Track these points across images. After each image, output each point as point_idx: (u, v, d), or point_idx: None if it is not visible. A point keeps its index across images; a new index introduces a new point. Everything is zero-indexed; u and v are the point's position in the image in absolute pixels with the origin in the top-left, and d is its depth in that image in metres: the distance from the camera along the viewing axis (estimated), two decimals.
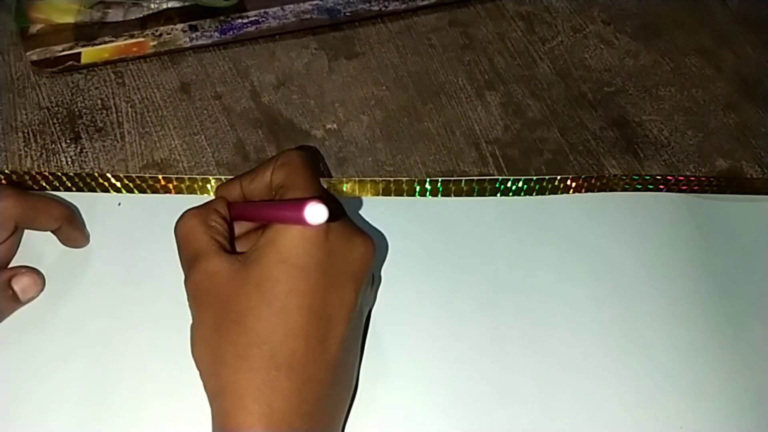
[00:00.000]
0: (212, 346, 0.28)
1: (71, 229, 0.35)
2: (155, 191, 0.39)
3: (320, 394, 0.28)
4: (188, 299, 0.30)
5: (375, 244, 0.30)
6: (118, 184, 0.39)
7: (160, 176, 0.40)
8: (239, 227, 0.33)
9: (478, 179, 0.41)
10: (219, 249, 0.29)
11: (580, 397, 0.34)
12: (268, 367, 0.27)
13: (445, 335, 0.35)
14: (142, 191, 0.39)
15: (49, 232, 0.36)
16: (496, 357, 0.35)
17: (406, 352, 0.35)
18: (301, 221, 0.24)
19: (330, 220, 0.25)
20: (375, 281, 0.36)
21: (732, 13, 0.53)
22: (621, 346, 0.36)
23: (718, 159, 0.45)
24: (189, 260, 0.30)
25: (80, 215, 0.37)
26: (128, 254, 0.37)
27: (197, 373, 0.32)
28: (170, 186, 0.40)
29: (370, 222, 0.39)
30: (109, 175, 0.39)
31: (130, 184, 0.39)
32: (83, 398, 0.32)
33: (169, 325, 0.34)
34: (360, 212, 0.39)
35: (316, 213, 0.24)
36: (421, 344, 0.35)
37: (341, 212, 0.31)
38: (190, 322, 0.33)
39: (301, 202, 0.25)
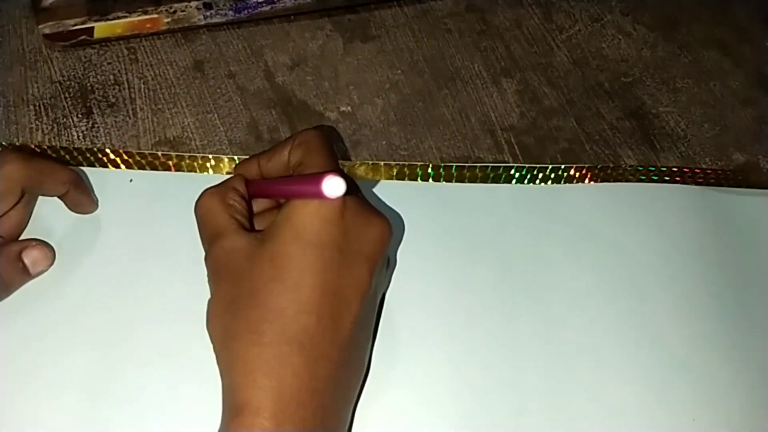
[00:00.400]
0: (225, 320, 0.28)
1: (78, 194, 0.35)
2: (167, 169, 0.39)
3: (330, 372, 0.27)
4: (207, 275, 0.30)
5: (391, 226, 0.30)
6: (130, 161, 0.39)
7: (172, 154, 0.39)
8: (257, 205, 0.33)
9: (492, 166, 0.41)
10: (238, 227, 0.29)
11: (591, 387, 0.34)
12: (278, 342, 0.26)
13: (456, 321, 0.35)
14: (154, 168, 0.39)
15: (59, 206, 0.35)
16: (506, 344, 0.35)
17: (418, 335, 0.34)
18: (319, 194, 0.24)
19: (346, 195, 0.25)
20: (391, 264, 0.35)
21: (751, 8, 0.52)
22: (633, 336, 0.35)
23: (734, 153, 0.44)
24: (209, 238, 0.30)
25: (90, 185, 0.37)
26: (139, 230, 0.36)
27: (205, 345, 0.32)
28: (182, 164, 0.39)
29: (385, 204, 0.38)
30: (121, 150, 0.39)
31: (142, 161, 0.39)
32: (91, 371, 0.32)
33: (177, 299, 0.34)
34: (373, 195, 0.39)
35: (333, 185, 0.24)
36: (433, 328, 0.35)
37: (358, 192, 0.31)
38: (199, 296, 0.33)
39: (319, 175, 0.24)
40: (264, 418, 0.25)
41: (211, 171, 0.39)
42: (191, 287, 0.34)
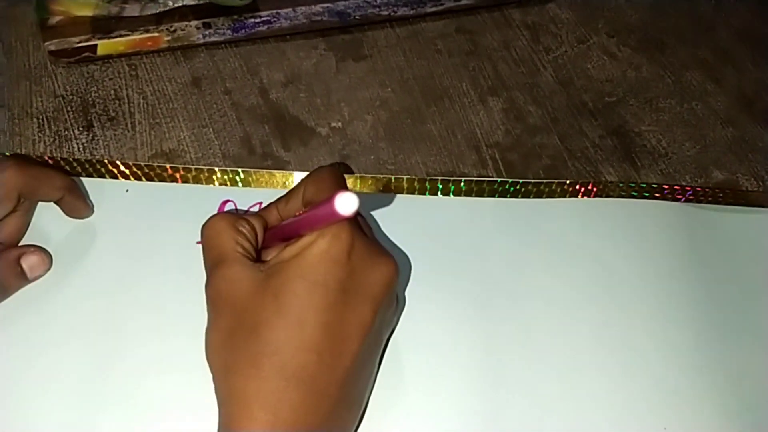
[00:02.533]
0: (225, 352, 0.28)
1: (74, 199, 0.36)
2: (162, 180, 0.40)
3: (328, 409, 0.28)
4: (207, 302, 0.30)
5: (398, 267, 0.30)
6: (127, 172, 0.40)
7: (167, 165, 0.41)
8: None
9: (477, 180, 0.42)
10: (242, 256, 0.29)
11: (569, 396, 0.35)
12: (277, 377, 0.27)
13: (435, 337, 0.36)
14: (149, 179, 0.40)
15: (56, 214, 0.37)
16: (489, 351, 0.36)
17: (403, 365, 0.35)
18: (333, 214, 0.24)
19: (354, 236, 0.25)
20: (399, 303, 0.35)
21: (733, 30, 0.54)
22: (610, 347, 0.36)
23: (714, 171, 0.45)
24: (212, 263, 0.30)
25: (87, 194, 0.38)
26: (134, 239, 0.38)
27: (194, 356, 0.33)
28: (177, 175, 0.41)
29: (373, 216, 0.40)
30: (118, 162, 0.41)
31: (139, 172, 0.41)
32: (83, 376, 0.33)
33: (170, 308, 0.36)
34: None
35: (346, 202, 0.24)
36: (413, 354, 0.35)
37: (368, 231, 0.32)
38: (190, 303, 0.34)
39: (330, 196, 0.24)
40: None
41: (204, 182, 0.41)
42: (183, 293, 0.36)
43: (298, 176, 0.41)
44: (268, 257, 0.32)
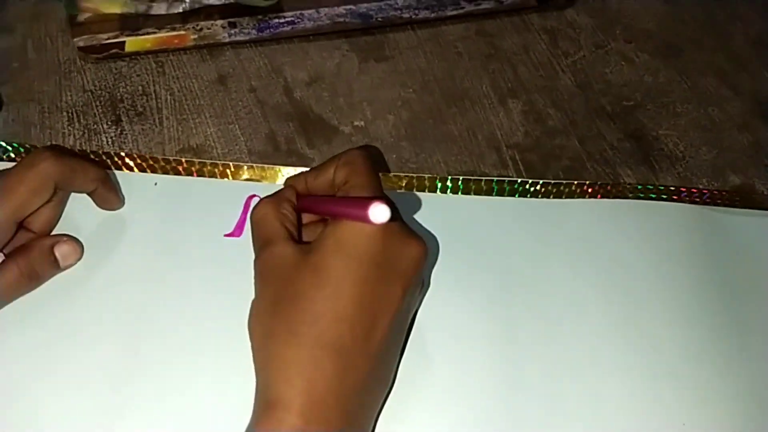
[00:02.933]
0: (267, 320, 0.30)
1: (106, 191, 0.37)
2: (189, 174, 0.41)
3: (358, 380, 0.29)
4: (255, 276, 0.32)
5: (427, 248, 0.32)
6: (156, 165, 0.41)
7: (195, 160, 0.42)
8: (304, 218, 0.35)
9: (497, 179, 0.43)
10: (287, 236, 0.32)
11: (587, 392, 0.35)
12: (314, 345, 0.28)
13: (456, 327, 0.37)
14: (177, 173, 0.41)
15: (88, 205, 0.38)
16: (506, 348, 0.36)
17: (426, 349, 0.36)
18: (365, 219, 0.26)
19: (389, 219, 0.27)
20: (424, 285, 0.37)
21: (750, 37, 0.55)
22: (628, 345, 0.37)
23: (731, 175, 0.46)
24: (261, 242, 0.32)
25: (117, 186, 0.39)
26: (162, 230, 0.39)
27: (223, 341, 0.34)
28: (204, 170, 0.42)
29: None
30: (147, 156, 0.42)
31: (167, 166, 0.41)
32: (112, 361, 0.34)
33: (196, 297, 0.36)
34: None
35: (379, 213, 0.26)
36: (436, 341, 0.36)
37: (398, 214, 0.33)
38: (215, 295, 0.36)
39: (366, 201, 0.26)
40: (293, 414, 0.27)
41: (230, 177, 0.42)
42: (209, 283, 0.37)
43: None
44: (306, 237, 0.34)
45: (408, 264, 0.31)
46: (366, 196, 0.31)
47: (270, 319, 0.30)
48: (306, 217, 0.36)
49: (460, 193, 0.42)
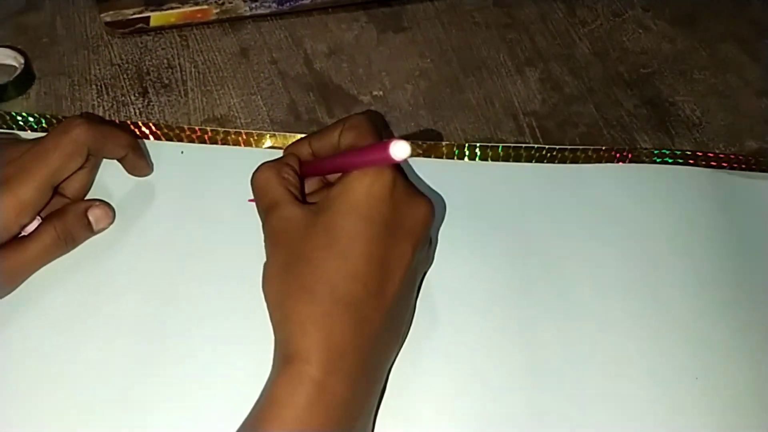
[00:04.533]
0: (281, 280, 0.31)
1: (136, 158, 0.39)
2: (214, 142, 0.43)
3: (372, 333, 0.30)
4: (264, 241, 0.32)
5: (434, 207, 0.32)
6: (182, 135, 0.43)
7: (219, 129, 0.43)
8: (307, 186, 0.36)
9: (514, 146, 0.44)
10: (292, 199, 0.32)
11: (600, 349, 0.36)
12: (328, 301, 0.29)
13: (472, 288, 0.38)
14: (202, 142, 0.43)
15: (118, 172, 0.39)
16: (519, 311, 0.37)
17: (450, 311, 0.37)
18: (386, 159, 0.27)
19: (396, 176, 0.28)
20: (432, 243, 0.38)
21: None
22: (643, 303, 0.38)
23: (748, 140, 0.46)
24: (266, 208, 0.33)
25: (148, 155, 0.41)
26: (189, 196, 0.40)
27: (246, 300, 0.35)
28: (229, 138, 0.43)
29: (418, 181, 0.41)
30: (173, 125, 0.43)
31: (193, 135, 0.43)
32: (143, 319, 0.36)
33: (222, 259, 0.38)
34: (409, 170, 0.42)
35: (400, 149, 0.26)
36: (462, 306, 0.37)
37: (404, 175, 0.33)
38: (241, 257, 0.37)
39: (384, 142, 0.27)
40: (312, 366, 0.28)
41: (254, 145, 0.43)
42: (234, 246, 0.38)
43: None
44: (308, 190, 0.35)
45: (416, 222, 0.31)
46: (379, 142, 0.31)
47: (284, 279, 0.30)
48: (308, 186, 0.36)
49: (477, 159, 0.43)
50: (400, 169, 0.31)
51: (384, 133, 0.44)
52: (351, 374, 0.29)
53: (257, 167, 0.34)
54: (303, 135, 0.43)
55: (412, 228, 0.31)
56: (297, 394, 0.28)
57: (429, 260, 0.38)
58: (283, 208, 0.32)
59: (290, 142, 0.43)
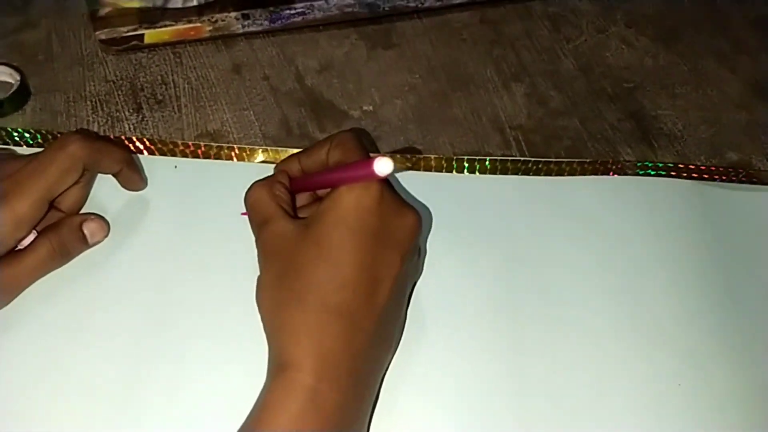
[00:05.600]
0: (273, 292, 0.32)
1: (131, 172, 0.39)
2: (208, 157, 0.44)
3: (364, 341, 0.31)
4: (258, 256, 0.33)
5: (421, 218, 0.33)
6: (175, 150, 0.44)
7: (213, 144, 0.44)
8: (298, 200, 0.37)
9: (501, 159, 0.45)
10: (284, 213, 0.33)
11: (585, 358, 0.37)
12: (320, 310, 0.30)
13: (458, 298, 0.39)
14: (196, 156, 0.43)
15: (113, 187, 0.40)
16: (505, 320, 0.38)
17: (441, 322, 0.38)
18: (370, 175, 0.28)
19: (384, 188, 0.29)
20: (421, 253, 0.39)
21: (749, 20, 0.56)
22: (626, 312, 0.39)
23: (728, 152, 0.48)
24: (258, 224, 0.34)
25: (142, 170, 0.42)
26: (183, 210, 0.41)
27: (243, 309, 0.36)
28: (222, 153, 0.44)
29: (407, 194, 0.42)
30: (167, 140, 0.44)
31: (186, 150, 0.44)
32: (137, 332, 0.36)
33: (215, 272, 0.38)
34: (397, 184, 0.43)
35: (383, 165, 0.28)
36: (450, 316, 0.38)
37: (392, 188, 0.34)
38: (237, 266, 0.38)
39: (368, 160, 0.28)
40: (305, 373, 0.29)
41: (246, 160, 0.44)
42: (227, 259, 0.39)
43: None
44: (299, 205, 0.36)
45: (404, 233, 0.32)
46: (366, 158, 0.32)
47: (277, 290, 0.31)
48: (299, 201, 0.37)
49: (465, 171, 0.44)
50: (387, 182, 0.32)
51: (370, 149, 0.45)
52: (343, 381, 0.30)
53: (250, 185, 0.35)
54: (294, 150, 0.44)
55: (400, 238, 0.32)
56: (290, 400, 0.28)
57: (418, 270, 0.39)
58: (275, 223, 0.33)
59: (282, 157, 0.44)
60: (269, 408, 0.29)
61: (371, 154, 0.29)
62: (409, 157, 0.44)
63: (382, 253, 0.31)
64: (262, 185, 0.35)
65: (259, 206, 0.34)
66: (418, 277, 0.39)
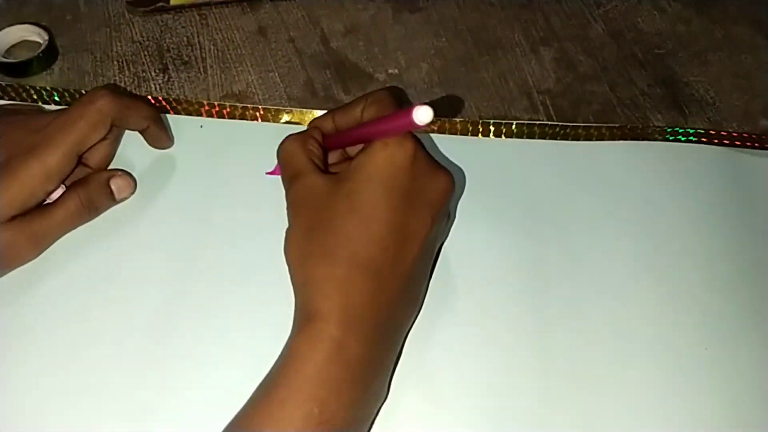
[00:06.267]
0: (302, 245, 0.32)
1: (158, 129, 0.40)
2: (233, 117, 0.44)
3: (390, 298, 0.31)
4: (287, 208, 0.33)
5: (455, 181, 0.33)
6: (201, 110, 0.44)
7: (238, 105, 0.44)
8: (330, 159, 0.37)
9: (528, 123, 0.44)
10: (315, 168, 0.33)
11: (610, 320, 0.37)
12: (348, 264, 0.30)
13: (483, 260, 0.38)
14: (221, 117, 0.44)
15: (140, 144, 0.40)
16: (529, 283, 0.38)
17: (455, 278, 0.38)
18: (410, 124, 0.27)
19: (417, 148, 0.29)
20: (450, 216, 0.39)
21: None
22: (654, 275, 0.38)
23: (761, 119, 0.46)
24: (290, 177, 0.34)
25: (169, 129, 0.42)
26: (208, 169, 0.41)
27: (266, 269, 0.36)
28: (246, 114, 0.44)
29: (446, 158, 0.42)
30: (193, 100, 0.44)
31: (212, 110, 0.44)
32: (164, 283, 0.37)
33: (239, 229, 0.39)
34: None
35: (423, 113, 0.27)
36: (470, 270, 0.38)
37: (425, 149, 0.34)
38: (261, 223, 0.38)
39: (407, 108, 0.27)
40: (332, 325, 0.29)
41: (271, 120, 0.44)
42: (251, 216, 0.39)
43: None
44: (331, 161, 0.36)
45: (436, 195, 0.32)
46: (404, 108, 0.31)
47: (306, 243, 0.31)
48: (330, 159, 0.37)
49: (491, 135, 0.44)
50: (420, 142, 0.32)
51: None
52: (368, 335, 0.30)
53: (283, 139, 0.35)
54: (320, 111, 0.44)
55: (432, 199, 0.32)
56: (316, 350, 0.29)
57: (446, 233, 0.39)
58: (306, 176, 0.33)
59: (307, 118, 0.44)
60: (295, 357, 0.29)
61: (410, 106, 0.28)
62: (434, 120, 0.44)
63: (413, 213, 0.31)
64: (295, 139, 0.35)
65: (291, 159, 0.34)
66: (445, 240, 0.39)
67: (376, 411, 0.32)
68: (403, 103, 0.44)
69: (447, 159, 0.42)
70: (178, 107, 0.44)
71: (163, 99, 0.44)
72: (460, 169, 0.42)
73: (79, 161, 0.37)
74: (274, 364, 0.30)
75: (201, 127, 0.43)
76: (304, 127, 0.43)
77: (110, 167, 0.40)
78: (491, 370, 0.35)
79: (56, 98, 0.44)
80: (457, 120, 0.44)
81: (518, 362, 0.35)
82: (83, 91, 0.44)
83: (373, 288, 0.30)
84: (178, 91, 0.45)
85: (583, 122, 0.45)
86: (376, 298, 0.30)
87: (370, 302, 0.30)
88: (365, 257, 0.30)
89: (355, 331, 0.29)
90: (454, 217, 0.40)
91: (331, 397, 0.28)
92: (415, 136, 0.32)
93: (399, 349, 0.34)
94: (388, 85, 0.47)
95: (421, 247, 0.32)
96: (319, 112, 0.44)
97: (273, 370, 0.30)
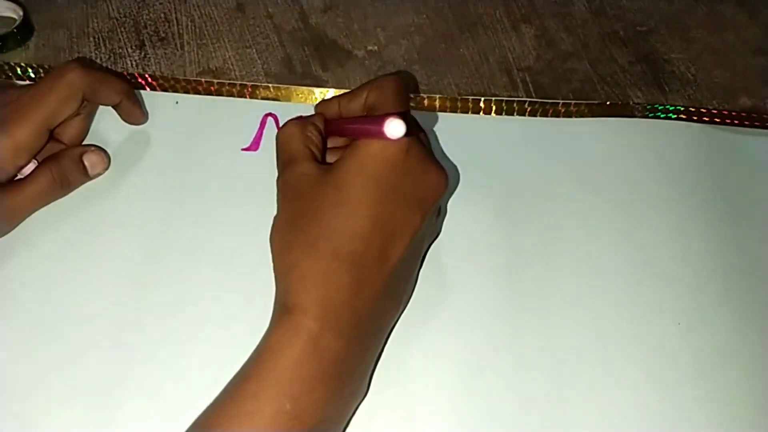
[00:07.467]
0: (286, 233, 0.31)
1: (131, 104, 0.39)
2: (209, 93, 0.43)
3: (370, 296, 0.30)
4: (277, 194, 0.33)
5: (448, 179, 0.32)
6: (177, 86, 0.43)
7: (214, 80, 0.44)
8: (333, 142, 0.36)
9: (507, 100, 0.44)
10: (310, 156, 0.33)
11: (586, 295, 0.37)
12: (330, 258, 0.29)
13: (461, 238, 0.38)
14: (197, 93, 0.43)
15: (114, 120, 0.40)
16: (508, 256, 0.38)
17: (441, 271, 0.38)
18: (381, 135, 0.27)
19: (411, 142, 0.28)
20: (441, 213, 0.38)
21: None
22: (630, 250, 0.38)
23: (742, 97, 0.46)
24: (284, 162, 0.33)
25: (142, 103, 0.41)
26: (183, 145, 0.41)
27: (240, 247, 0.36)
28: (223, 90, 0.43)
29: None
30: (169, 76, 0.43)
31: (188, 86, 0.43)
32: (136, 264, 0.36)
33: (214, 206, 0.38)
34: None
35: (394, 127, 0.27)
36: (446, 261, 0.38)
37: (424, 142, 0.33)
38: (234, 200, 0.38)
39: (382, 117, 0.27)
40: (309, 318, 0.28)
41: (248, 96, 0.43)
42: (226, 194, 0.39)
43: (334, 93, 0.43)
44: (332, 160, 0.34)
45: (427, 192, 0.31)
46: (383, 114, 0.30)
47: (290, 233, 0.31)
48: (334, 142, 0.36)
49: (470, 112, 0.43)
50: (416, 136, 0.31)
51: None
52: (346, 333, 0.29)
53: (284, 123, 0.35)
54: (298, 87, 0.44)
55: (422, 197, 0.31)
56: (292, 344, 0.28)
57: (436, 231, 0.38)
58: (299, 163, 0.32)
59: (283, 95, 0.43)
60: (271, 350, 0.28)
61: (388, 114, 0.27)
62: (413, 96, 0.44)
63: (401, 210, 0.30)
64: (295, 124, 0.34)
65: (287, 144, 0.33)
66: (436, 238, 0.38)
67: (353, 409, 0.32)
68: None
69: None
70: (154, 83, 0.43)
71: (138, 75, 0.44)
72: (454, 165, 0.41)
73: (52, 136, 0.37)
74: (251, 354, 0.29)
75: (176, 103, 0.43)
76: (281, 104, 0.43)
77: (84, 143, 0.40)
78: (476, 366, 0.34)
79: (31, 74, 0.43)
80: (437, 96, 0.44)
81: (498, 356, 0.35)
82: None
83: (353, 283, 0.29)
84: (154, 68, 0.45)
85: (563, 99, 0.45)
86: (357, 294, 0.29)
87: (350, 298, 0.29)
88: (348, 251, 0.29)
89: (333, 326, 0.29)
90: (445, 213, 0.39)
91: (303, 393, 0.28)
92: (416, 127, 0.31)
93: (381, 347, 0.33)
94: (366, 62, 0.46)
95: (407, 244, 0.31)
96: (302, 89, 0.43)
97: (248, 361, 0.29)
